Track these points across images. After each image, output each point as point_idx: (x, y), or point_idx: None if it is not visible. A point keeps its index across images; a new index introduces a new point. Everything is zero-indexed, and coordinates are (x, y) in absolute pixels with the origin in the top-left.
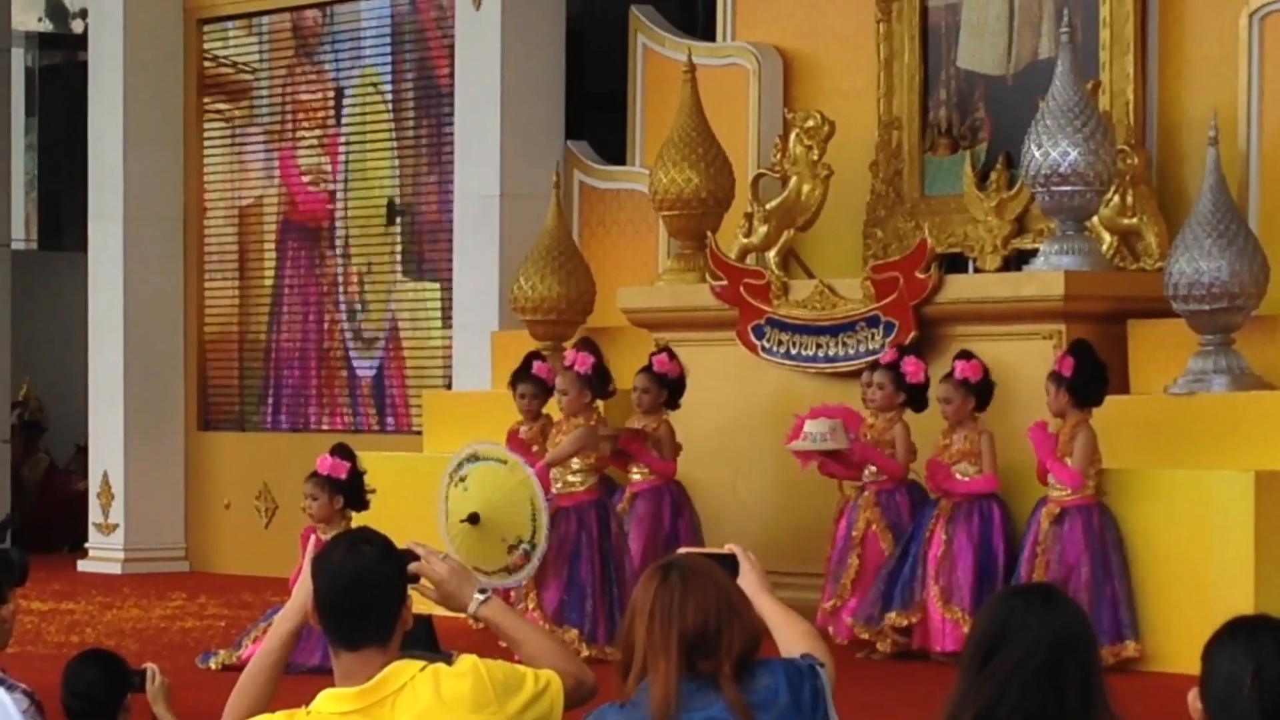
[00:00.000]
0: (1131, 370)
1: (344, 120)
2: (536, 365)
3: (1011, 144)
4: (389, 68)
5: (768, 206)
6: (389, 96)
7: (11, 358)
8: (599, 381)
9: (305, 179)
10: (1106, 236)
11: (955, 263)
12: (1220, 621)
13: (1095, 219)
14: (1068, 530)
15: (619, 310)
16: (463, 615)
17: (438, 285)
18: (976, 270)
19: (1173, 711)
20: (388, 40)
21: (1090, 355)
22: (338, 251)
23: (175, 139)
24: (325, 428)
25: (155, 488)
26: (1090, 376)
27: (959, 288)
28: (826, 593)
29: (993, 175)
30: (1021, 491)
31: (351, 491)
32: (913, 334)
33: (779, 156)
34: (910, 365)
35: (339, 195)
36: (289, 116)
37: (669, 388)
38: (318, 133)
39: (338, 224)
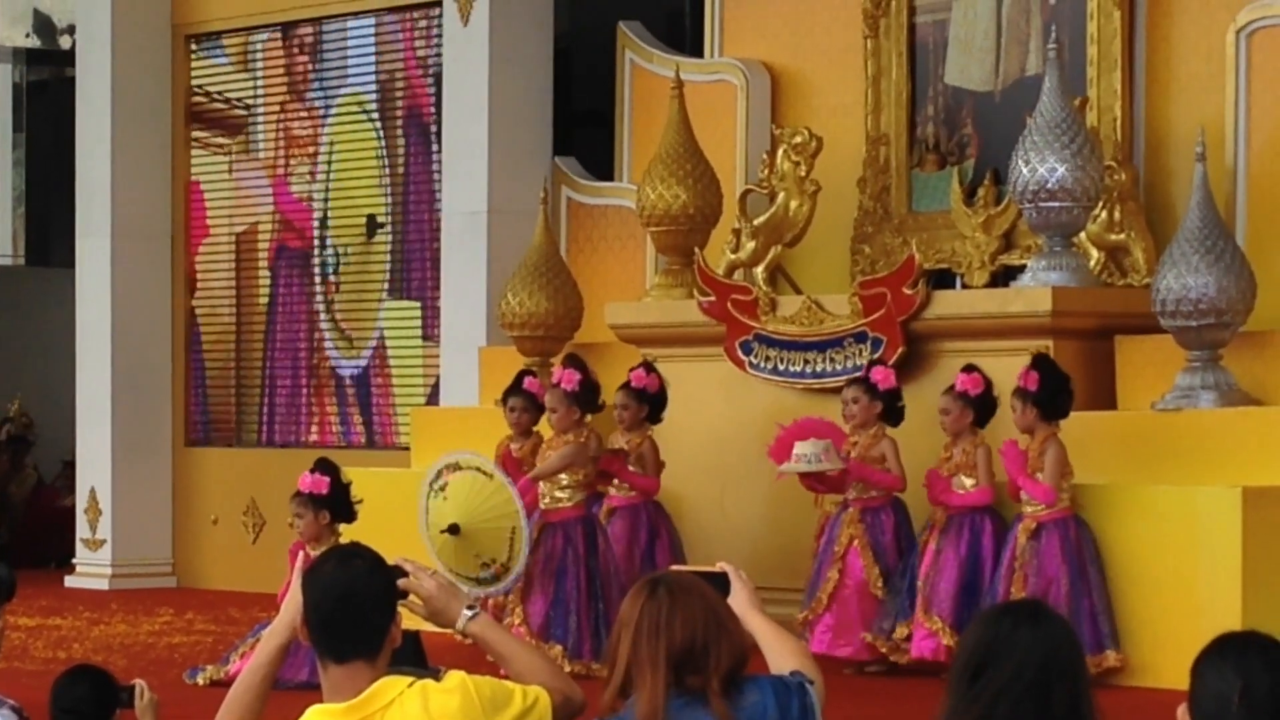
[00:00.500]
0: (1119, 386)
1: (328, 140)
2: (528, 380)
3: (999, 160)
4: (374, 86)
5: (755, 222)
6: (375, 116)
7: None
8: (586, 398)
9: (299, 201)
10: (1094, 252)
11: (943, 279)
12: (1208, 637)
13: (1083, 235)
14: (1045, 544)
15: (607, 326)
16: (451, 631)
17: (418, 304)
18: (964, 286)
19: None
20: (372, 59)
21: (1053, 368)
22: (326, 272)
23: (163, 155)
24: (314, 441)
25: (143, 503)
26: (1055, 389)
27: (946, 304)
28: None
29: (980, 191)
30: (1011, 505)
31: (337, 505)
32: (900, 350)
33: (766, 172)
34: (879, 374)
35: (324, 216)
36: (281, 145)
37: (649, 402)
38: (307, 163)
39: (327, 245)
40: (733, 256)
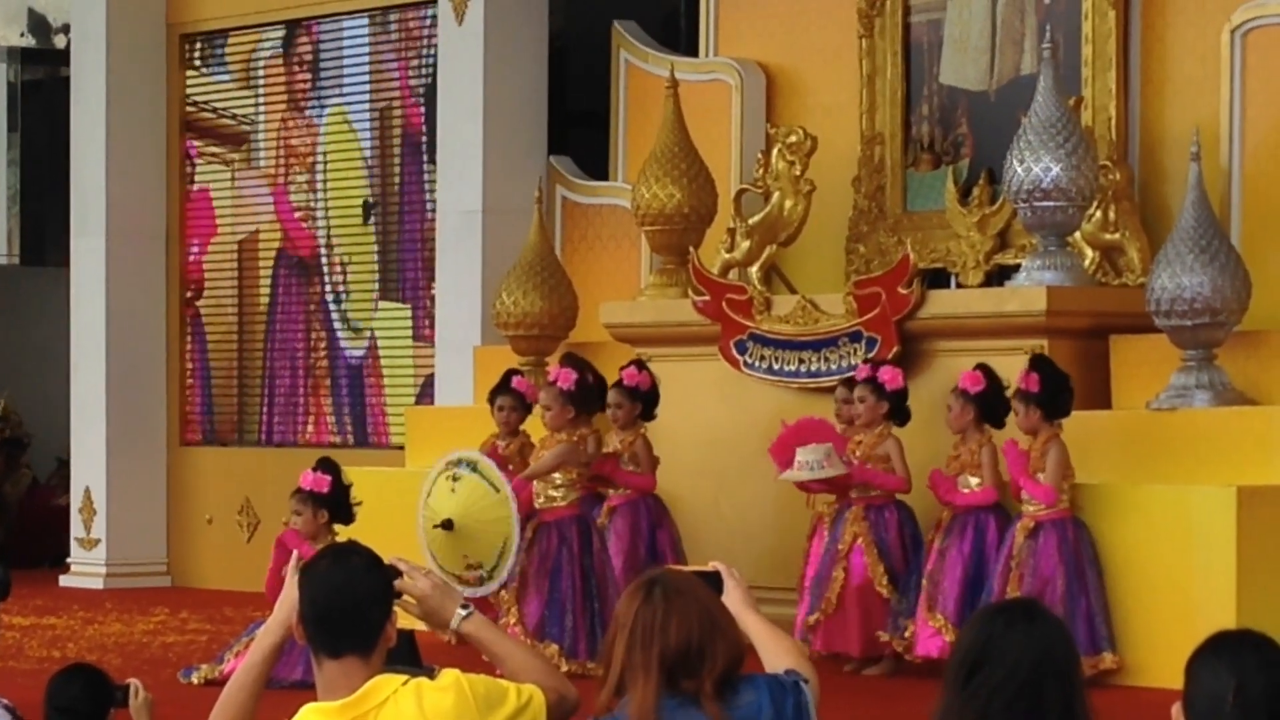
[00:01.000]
0: (1114, 386)
1: (323, 141)
2: (515, 380)
3: (994, 159)
4: (366, 86)
5: (750, 222)
6: (368, 115)
7: None
8: (582, 397)
9: (297, 214)
10: (1089, 252)
11: (938, 278)
12: (1203, 636)
13: (1077, 234)
14: (1042, 544)
15: (601, 325)
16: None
17: (409, 306)
18: (959, 286)
19: None
20: (366, 58)
21: (1052, 368)
22: (323, 275)
23: (158, 155)
24: (309, 441)
25: (137, 503)
26: (1056, 389)
27: (941, 303)
28: (806, 607)
29: (975, 191)
30: (1011, 505)
31: (336, 505)
32: (895, 349)
33: (761, 172)
34: (887, 374)
35: (324, 218)
36: (281, 157)
37: (642, 400)
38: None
39: (321, 250)
40: (727, 256)
